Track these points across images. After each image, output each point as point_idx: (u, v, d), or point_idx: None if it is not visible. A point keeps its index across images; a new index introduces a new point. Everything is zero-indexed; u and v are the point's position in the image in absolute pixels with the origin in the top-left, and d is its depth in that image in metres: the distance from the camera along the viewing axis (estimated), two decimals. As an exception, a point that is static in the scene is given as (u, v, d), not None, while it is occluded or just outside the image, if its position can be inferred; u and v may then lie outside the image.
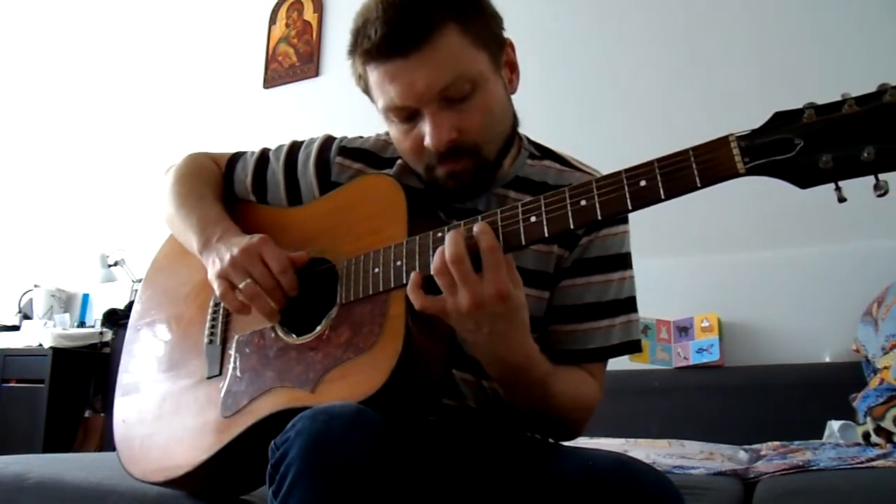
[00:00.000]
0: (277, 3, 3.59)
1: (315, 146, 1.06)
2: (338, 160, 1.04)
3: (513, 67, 0.97)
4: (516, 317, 0.80)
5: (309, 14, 3.49)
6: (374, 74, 0.89)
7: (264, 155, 1.10)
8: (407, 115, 0.89)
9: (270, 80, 3.52)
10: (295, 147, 1.09)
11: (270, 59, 3.55)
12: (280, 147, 1.10)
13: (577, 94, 2.68)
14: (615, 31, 2.67)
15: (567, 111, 2.61)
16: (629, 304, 0.97)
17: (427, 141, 0.87)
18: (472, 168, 0.91)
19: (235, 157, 1.13)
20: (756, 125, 0.68)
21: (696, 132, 0.79)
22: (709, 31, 2.50)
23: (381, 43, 0.86)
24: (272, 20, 3.59)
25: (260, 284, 0.90)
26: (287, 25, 3.54)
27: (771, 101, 0.77)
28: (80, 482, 1.14)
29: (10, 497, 1.17)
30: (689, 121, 2.33)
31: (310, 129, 1.17)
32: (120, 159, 3.92)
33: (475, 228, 0.78)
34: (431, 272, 0.79)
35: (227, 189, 1.11)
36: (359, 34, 0.89)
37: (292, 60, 3.48)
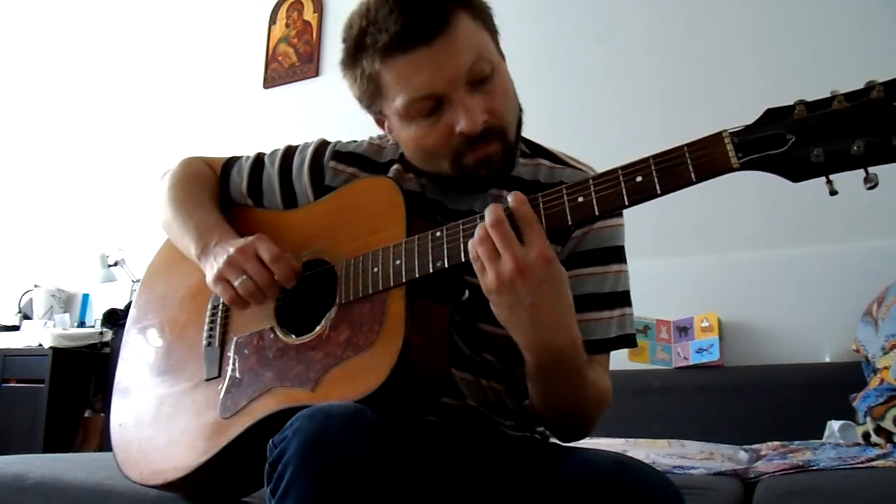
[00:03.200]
0: (277, 3, 3.59)
1: (309, 151, 1.06)
2: (331, 165, 1.04)
3: (503, 59, 0.97)
4: (560, 286, 0.78)
5: (309, 14, 3.49)
6: (393, 70, 0.88)
7: (259, 159, 1.10)
8: (431, 106, 0.88)
9: (270, 80, 3.52)
10: (290, 151, 1.08)
11: (270, 59, 3.55)
12: (275, 151, 1.10)
13: (572, 93, 2.68)
14: (611, 30, 2.67)
15: (563, 109, 2.61)
16: (625, 298, 0.97)
17: (462, 125, 0.87)
18: (500, 152, 0.91)
19: (231, 162, 1.13)
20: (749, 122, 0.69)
21: (691, 131, 0.79)
22: (704, 31, 2.50)
23: (402, 34, 0.85)
24: (272, 20, 3.59)
25: (254, 279, 0.91)
26: (287, 25, 3.54)
27: (764, 99, 0.77)
28: (80, 482, 1.14)
29: (10, 497, 1.17)
30: (683, 120, 2.34)
31: (310, 130, 1.18)
32: (120, 159, 3.92)
33: (510, 199, 0.78)
34: (471, 245, 0.78)
35: (223, 193, 1.11)
36: (365, 35, 0.88)
37: (292, 60, 3.48)
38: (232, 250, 0.93)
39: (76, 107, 4.18)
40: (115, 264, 3.53)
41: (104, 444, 3.15)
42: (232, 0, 3.75)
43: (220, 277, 0.94)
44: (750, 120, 0.69)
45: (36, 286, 3.87)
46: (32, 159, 4.32)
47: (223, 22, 3.75)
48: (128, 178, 3.83)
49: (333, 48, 3.36)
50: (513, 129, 0.93)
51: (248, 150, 1.21)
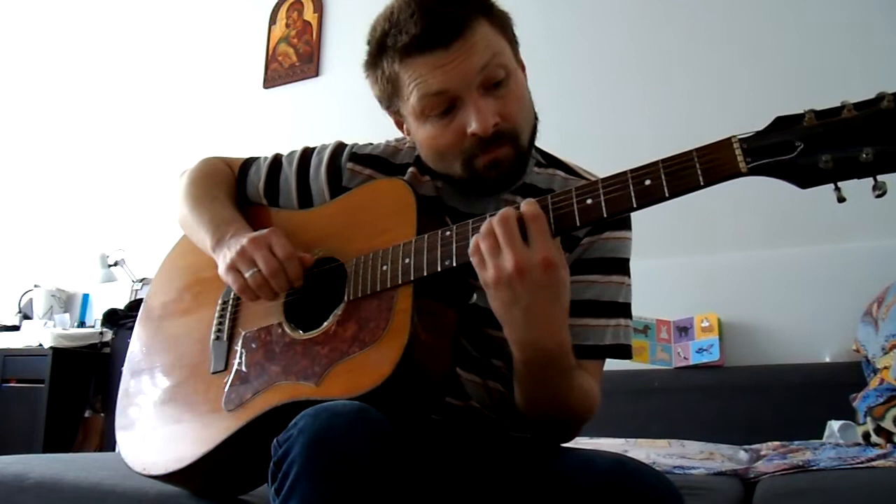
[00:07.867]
0: (277, 3, 3.59)
1: (327, 152, 1.08)
2: (349, 166, 1.06)
3: (523, 67, 1.00)
4: (559, 293, 0.79)
5: (309, 14, 3.49)
6: (410, 69, 0.91)
7: (277, 160, 1.12)
8: (445, 106, 0.90)
9: (270, 80, 3.52)
10: (307, 153, 1.11)
11: (270, 59, 3.55)
12: (293, 153, 1.12)
13: (580, 102, 2.68)
14: (618, 37, 2.67)
15: (556, 116, 2.61)
16: (624, 310, 0.98)
17: (473, 126, 0.89)
18: (512, 156, 0.92)
19: (249, 162, 1.15)
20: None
21: (684, 140, 0.80)
22: (711, 42, 2.49)
23: (421, 36, 0.88)
24: (272, 20, 3.59)
25: (263, 270, 0.92)
26: (287, 25, 3.54)
27: (769, 108, 0.78)
28: (80, 482, 1.15)
29: (10, 497, 1.17)
30: (680, 129, 2.34)
31: (310, 129, 1.18)
32: (120, 159, 3.92)
33: (522, 203, 0.79)
34: (473, 239, 0.80)
35: (240, 192, 1.13)
36: (387, 36, 0.92)
37: (292, 60, 3.48)
38: (245, 241, 0.95)
39: (76, 107, 4.18)
40: (115, 264, 3.53)
41: (104, 445, 3.15)
42: (232, 0, 3.76)
43: (232, 267, 0.95)
44: (747, 128, 0.70)
45: (36, 286, 3.87)
46: (33, 159, 4.31)
47: (223, 22, 3.75)
48: (128, 178, 3.83)
49: (333, 48, 3.37)
50: (526, 135, 0.95)
51: (248, 151, 1.23)
